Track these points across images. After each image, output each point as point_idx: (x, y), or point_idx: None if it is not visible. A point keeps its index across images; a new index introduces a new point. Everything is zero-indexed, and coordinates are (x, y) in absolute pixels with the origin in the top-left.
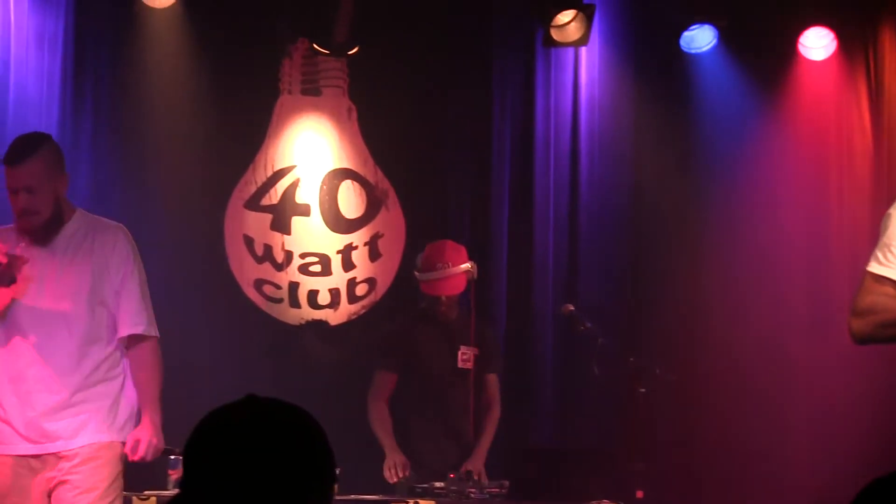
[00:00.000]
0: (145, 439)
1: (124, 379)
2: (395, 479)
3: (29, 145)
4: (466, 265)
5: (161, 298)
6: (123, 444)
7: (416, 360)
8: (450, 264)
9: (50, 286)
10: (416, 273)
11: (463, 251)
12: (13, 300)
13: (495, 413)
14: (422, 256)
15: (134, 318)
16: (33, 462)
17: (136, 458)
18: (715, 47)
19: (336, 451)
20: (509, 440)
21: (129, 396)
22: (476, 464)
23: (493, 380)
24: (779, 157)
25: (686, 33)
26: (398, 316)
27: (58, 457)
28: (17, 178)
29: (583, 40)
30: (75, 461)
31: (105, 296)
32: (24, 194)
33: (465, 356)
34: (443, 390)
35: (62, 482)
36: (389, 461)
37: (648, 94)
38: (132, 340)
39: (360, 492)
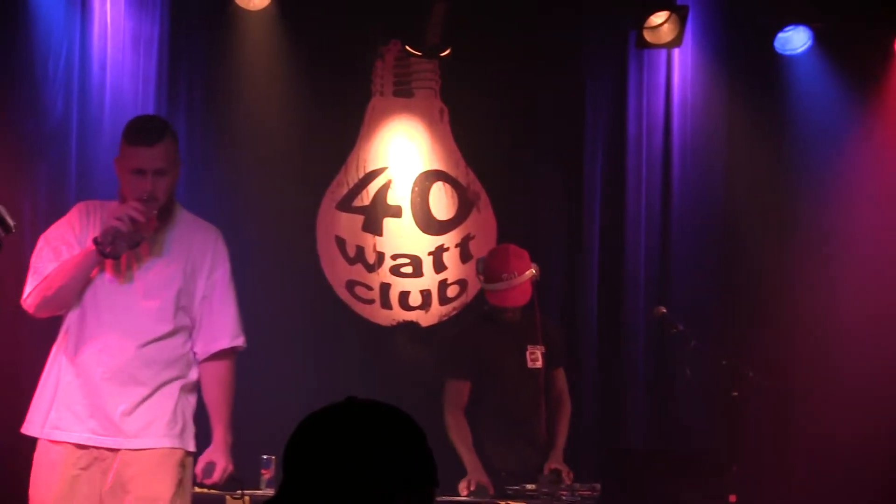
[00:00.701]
0: (220, 465)
1: (193, 386)
2: (466, 493)
3: (159, 126)
4: (531, 271)
5: (254, 300)
6: (185, 452)
7: (487, 363)
8: (515, 273)
9: (140, 277)
10: (481, 282)
11: (526, 256)
12: (101, 277)
13: (567, 407)
14: (485, 264)
15: (233, 329)
16: (90, 453)
17: (208, 482)
18: (810, 49)
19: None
20: (601, 442)
21: (192, 403)
22: (558, 459)
23: (560, 374)
24: (874, 160)
25: (780, 35)
26: (462, 321)
27: (114, 453)
28: (149, 159)
29: (676, 42)
30: (135, 466)
31: (191, 298)
32: (154, 177)
33: (534, 356)
34: (515, 392)
35: (120, 486)
36: (470, 481)
37: (741, 96)
38: (215, 353)
39: (451, 492)
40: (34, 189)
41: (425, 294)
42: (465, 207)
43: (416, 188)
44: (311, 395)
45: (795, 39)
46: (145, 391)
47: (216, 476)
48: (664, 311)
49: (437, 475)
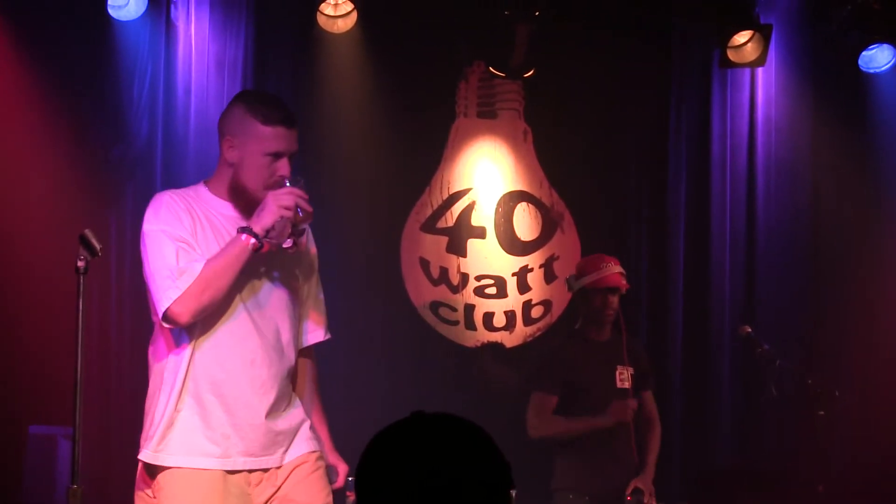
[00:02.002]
0: (342, 467)
1: None
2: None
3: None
4: (623, 270)
5: (339, 321)
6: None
7: (576, 380)
8: (611, 263)
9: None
10: (575, 283)
11: (617, 261)
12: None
13: (657, 430)
14: (577, 267)
15: (325, 323)
16: (246, 478)
17: (335, 487)
18: (894, 67)
19: (515, 467)
20: (688, 462)
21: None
22: (645, 481)
23: (649, 397)
24: None
25: (865, 53)
26: (553, 338)
27: (264, 472)
28: (289, 141)
29: (760, 61)
30: (291, 477)
31: (302, 296)
32: (288, 162)
33: (623, 376)
34: (603, 409)
35: (282, 499)
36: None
37: (826, 115)
38: (306, 350)
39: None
40: (120, 213)
41: (510, 315)
42: (548, 228)
43: (500, 209)
44: (395, 416)
45: (880, 57)
46: (287, 399)
47: (341, 480)
48: (749, 330)
49: (513, 475)
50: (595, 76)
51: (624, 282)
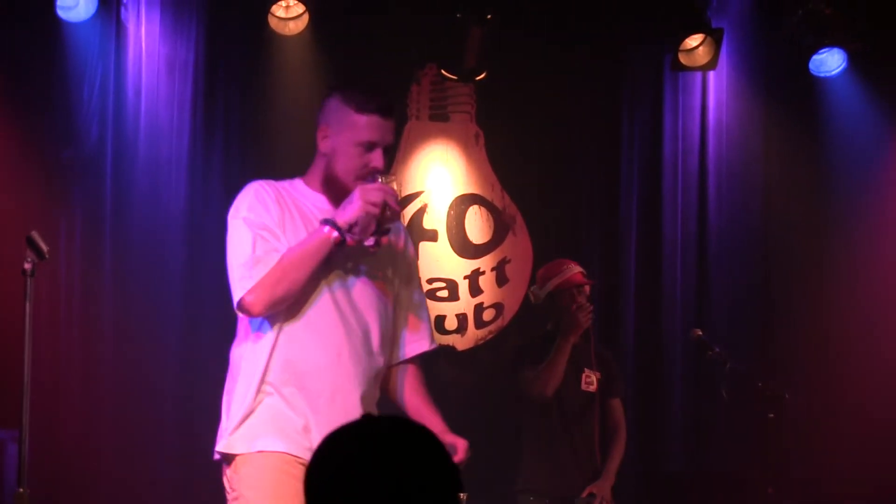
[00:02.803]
0: (462, 445)
1: None
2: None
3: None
4: (583, 270)
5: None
6: None
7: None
8: (571, 265)
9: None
10: (541, 290)
11: (578, 265)
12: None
13: (622, 438)
14: (539, 277)
15: (429, 331)
16: None
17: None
18: (845, 71)
19: (478, 468)
20: (639, 465)
21: None
22: (602, 487)
23: (617, 405)
24: None
25: (816, 57)
26: (500, 346)
27: None
28: (385, 131)
29: (711, 64)
30: None
31: (399, 300)
32: (382, 154)
33: (589, 379)
34: (569, 413)
35: None
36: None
37: (777, 118)
38: (412, 359)
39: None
40: (69, 215)
41: (461, 318)
42: (500, 231)
43: (452, 212)
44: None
45: (830, 61)
46: (372, 404)
47: (461, 454)
48: (700, 333)
49: (461, 479)
50: (547, 79)
51: (588, 281)
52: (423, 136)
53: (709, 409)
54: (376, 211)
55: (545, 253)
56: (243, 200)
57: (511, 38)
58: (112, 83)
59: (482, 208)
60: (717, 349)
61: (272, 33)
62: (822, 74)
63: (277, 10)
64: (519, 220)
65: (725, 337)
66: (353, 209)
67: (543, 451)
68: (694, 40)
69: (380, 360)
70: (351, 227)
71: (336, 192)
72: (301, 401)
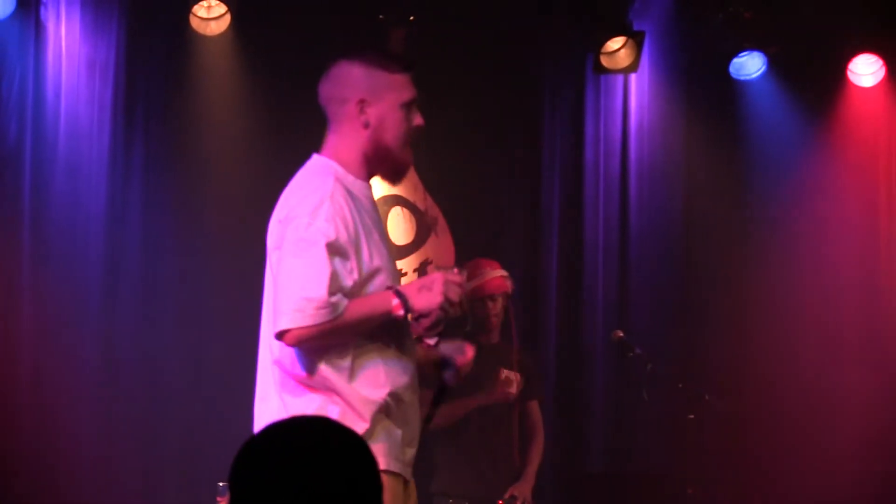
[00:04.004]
0: None
1: None
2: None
3: None
4: (505, 272)
5: (218, 326)
6: None
7: (464, 389)
8: (489, 269)
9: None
10: None
11: (497, 264)
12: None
13: (540, 439)
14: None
15: None
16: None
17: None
18: (764, 74)
19: None
20: (560, 466)
21: None
22: (523, 489)
23: (535, 406)
24: (829, 184)
25: (735, 60)
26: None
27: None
28: (414, 87)
29: (632, 67)
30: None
31: None
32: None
33: (508, 379)
34: (487, 415)
35: None
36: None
37: (698, 121)
38: None
39: None
40: None
41: None
42: (423, 232)
43: None
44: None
45: (750, 65)
46: None
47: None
48: (621, 334)
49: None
50: (470, 81)
51: (507, 283)
52: None
53: (630, 411)
54: (455, 311)
55: (467, 255)
56: (320, 204)
57: (433, 40)
58: (31, 82)
59: (405, 209)
60: (638, 350)
61: (194, 33)
62: (742, 78)
63: (199, 10)
64: (441, 221)
65: (646, 338)
66: (431, 299)
67: (461, 455)
68: (615, 43)
69: None
70: (421, 316)
71: (384, 166)
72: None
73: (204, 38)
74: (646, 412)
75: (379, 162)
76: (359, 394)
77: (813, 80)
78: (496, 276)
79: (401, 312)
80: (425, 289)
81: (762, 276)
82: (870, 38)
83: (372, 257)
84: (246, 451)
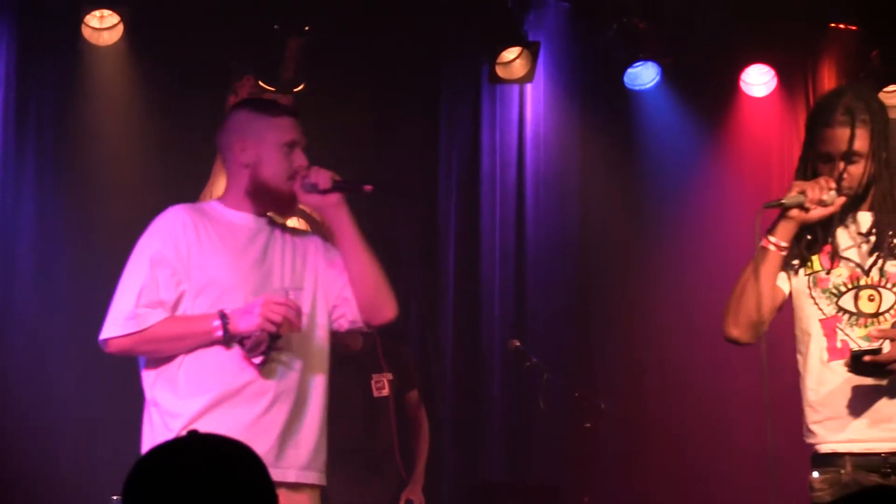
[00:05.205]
0: None
1: None
2: None
3: None
4: None
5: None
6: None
7: (329, 399)
8: None
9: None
10: None
11: None
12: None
13: (424, 432)
14: None
15: None
16: None
17: None
18: (658, 84)
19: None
20: (458, 475)
21: None
22: (416, 491)
23: (414, 396)
24: (722, 192)
25: (630, 70)
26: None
27: None
28: (300, 131)
29: (528, 77)
30: None
31: None
32: (303, 153)
33: (380, 384)
34: (362, 423)
35: None
36: None
37: (593, 130)
38: None
39: None
40: None
41: None
42: None
43: None
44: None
45: (644, 75)
46: None
47: None
48: (518, 344)
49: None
50: (366, 91)
51: None
52: None
53: (527, 419)
54: (272, 329)
55: None
56: (155, 224)
57: (329, 50)
58: None
59: (301, 220)
60: (535, 360)
61: (86, 43)
62: (636, 88)
63: (91, 20)
64: None
65: (543, 347)
66: (250, 322)
67: (344, 463)
68: (511, 53)
69: None
70: (243, 338)
71: (266, 201)
72: None
73: (96, 48)
74: (543, 421)
75: (262, 198)
76: (171, 406)
77: (706, 90)
78: None
79: (220, 334)
80: (248, 311)
81: (657, 283)
82: (762, 49)
83: (206, 271)
84: (138, 467)
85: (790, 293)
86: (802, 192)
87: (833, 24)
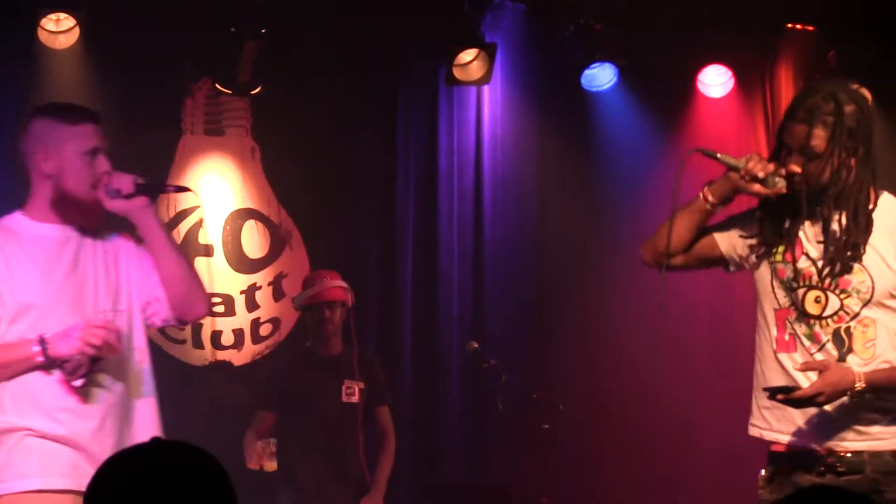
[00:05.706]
0: None
1: None
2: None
3: None
4: (344, 284)
5: None
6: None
7: (300, 397)
8: (327, 279)
9: None
10: (297, 301)
11: (338, 274)
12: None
13: (390, 446)
14: (301, 285)
15: None
16: None
17: None
18: (615, 85)
19: (241, 493)
20: (416, 477)
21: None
22: (375, 499)
23: (384, 412)
24: (679, 194)
25: (587, 71)
26: (277, 359)
27: None
28: (102, 136)
29: (485, 79)
30: None
31: None
32: (106, 158)
33: (350, 390)
34: (330, 427)
35: None
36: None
37: (551, 132)
38: None
39: None
40: None
41: (238, 333)
42: (277, 246)
43: (228, 227)
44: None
45: (601, 76)
46: None
47: None
48: (476, 345)
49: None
50: (323, 93)
51: (345, 295)
52: (198, 151)
53: (485, 421)
54: (92, 352)
55: (322, 266)
56: None
57: (287, 52)
58: None
59: (258, 223)
60: (493, 361)
61: (41, 47)
62: (593, 89)
63: (47, 24)
64: (296, 234)
65: (502, 348)
66: (69, 346)
67: (308, 465)
68: (468, 55)
69: None
70: (62, 362)
71: (71, 211)
72: None
73: (52, 50)
74: (501, 422)
75: (67, 208)
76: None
77: (663, 91)
78: (334, 285)
79: (40, 360)
80: (67, 335)
81: (615, 284)
82: (719, 50)
83: (18, 295)
84: (101, 472)
85: (732, 264)
86: (744, 160)
87: (790, 25)
